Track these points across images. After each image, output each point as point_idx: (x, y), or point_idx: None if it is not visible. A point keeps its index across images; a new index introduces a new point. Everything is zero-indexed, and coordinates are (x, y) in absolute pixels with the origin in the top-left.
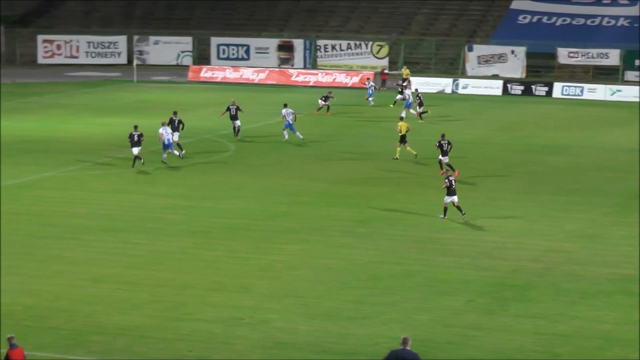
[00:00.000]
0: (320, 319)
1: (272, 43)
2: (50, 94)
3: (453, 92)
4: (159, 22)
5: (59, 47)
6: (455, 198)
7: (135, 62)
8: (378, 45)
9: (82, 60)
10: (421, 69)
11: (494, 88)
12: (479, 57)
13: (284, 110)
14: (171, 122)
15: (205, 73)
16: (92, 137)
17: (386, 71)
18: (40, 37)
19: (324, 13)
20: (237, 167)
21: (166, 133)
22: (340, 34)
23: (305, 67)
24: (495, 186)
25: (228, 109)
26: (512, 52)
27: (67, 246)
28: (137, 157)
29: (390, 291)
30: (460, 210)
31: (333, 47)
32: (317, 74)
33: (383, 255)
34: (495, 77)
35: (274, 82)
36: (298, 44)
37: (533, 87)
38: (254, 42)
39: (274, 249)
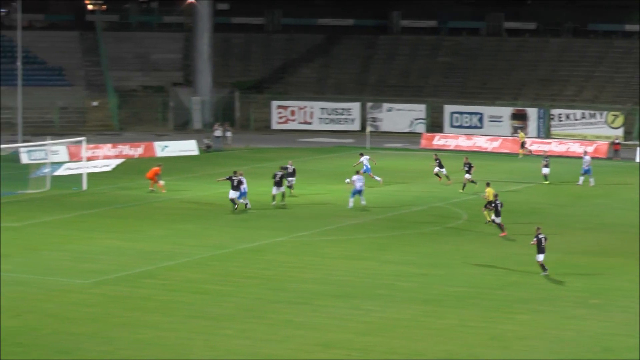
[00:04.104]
0: None
1: (506, 111)
2: (283, 160)
3: None
4: (392, 89)
5: (292, 113)
6: (542, 256)
7: (368, 128)
8: (613, 114)
9: (316, 126)
10: None
11: None
12: None
13: (355, 177)
14: (231, 181)
15: (438, 141)
16: (324, 202)
17: (617, 141)
18: (275, 103)
19: (558, 82)
20: (469, 235)
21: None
22: (574, 103)
23: (538, 136)
24: None
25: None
26: None
27: (298, 311)
28: (233, 200)
29: None
30: (544, 268)
31: (567, 116)
32: (550, 143)
33: (616, 327)
34: None
35: (507, 151)
36: (532, 112)
37: None
38: (488, 111)
39: (504, 319)
